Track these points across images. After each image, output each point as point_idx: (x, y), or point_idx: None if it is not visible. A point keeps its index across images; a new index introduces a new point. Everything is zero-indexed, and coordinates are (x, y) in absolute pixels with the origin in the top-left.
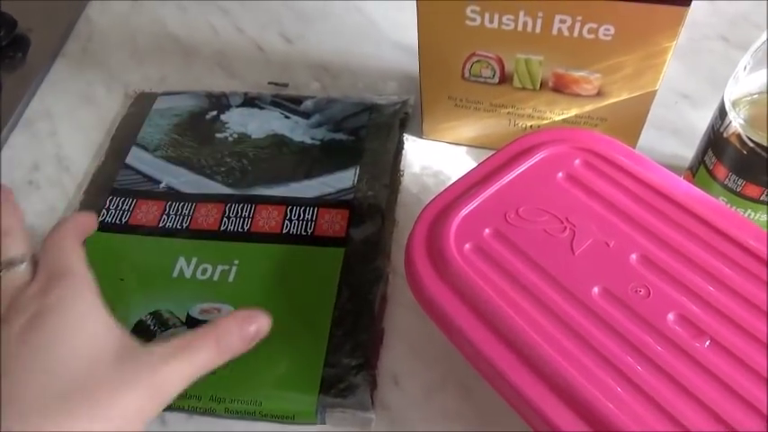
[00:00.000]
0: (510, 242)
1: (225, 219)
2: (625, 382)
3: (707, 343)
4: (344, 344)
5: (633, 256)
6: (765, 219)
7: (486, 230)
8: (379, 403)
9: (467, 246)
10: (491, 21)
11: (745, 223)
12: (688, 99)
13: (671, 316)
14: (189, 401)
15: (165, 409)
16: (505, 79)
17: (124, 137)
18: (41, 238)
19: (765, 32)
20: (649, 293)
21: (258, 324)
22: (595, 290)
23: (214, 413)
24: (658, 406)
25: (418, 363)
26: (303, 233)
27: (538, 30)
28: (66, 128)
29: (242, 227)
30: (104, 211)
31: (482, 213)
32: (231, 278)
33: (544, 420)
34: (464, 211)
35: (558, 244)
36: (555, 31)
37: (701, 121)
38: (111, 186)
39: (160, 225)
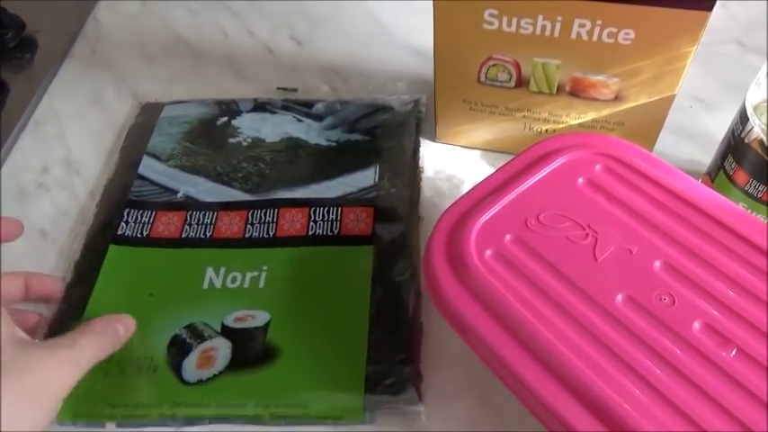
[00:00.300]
0: (531, 249)
1: (249, 226)
2: (650, 390)
3: (733, 352)
4: (385, 340)
5: (657, 264)
6: None
7: (507, 237)
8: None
9: (487, 252)
10: (509, 24)
11: (758, 224)
12: (703, 103)
13: (696, 324)
14: (234, 410)
15: (211, 422)
16: (522, 83)
17: (134, 147)
18: (52, 242)
19: None
20: (674, 302)
21: (125, 324)
22: (619, 297)
23: (260, 420)
24: (684, 415)
25: (438, 368)
26: (329, 233)
27: (556, 34)
28: (75, 130)
29: (267, 232)
30: (123, 224)
31: (502, 219)
32: (262, 284)
33: (566, 427)
34: (484, 218)
35: (580, 251)
36: (574, 35)
37: (717, 126)
38: (126, 198)
39: (183, 236)
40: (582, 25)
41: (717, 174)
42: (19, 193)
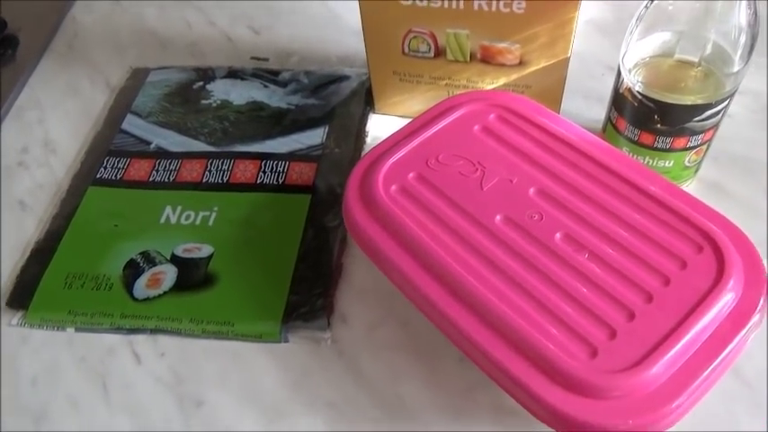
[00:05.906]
0: (430, 183)
1: (207, 172)
2: (521, 290)
3: (586, 255)
4: (307, 276)
5: (531, 190)
6: (663, 165)
7: (411, 174)
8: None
9: (393, 187)
10: None
11: (622, 157)
12: (614, 71)
13: (558, 235)
14: (172, 323)
15: (151, 331)
16: (440, 53)
17: (120, 106)
18: (30, 210)
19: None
20: (542, 218)
21: None
22: (498, 218)
23: (192, 334)
24: (547, 309)
25: (364, 304)
26: (275, 183)
27: (461, 6)
28: (54, 116)
29: (221, 179)
30: (102, 169)
31: (407, 161)
32: (211, 222)
33: (454, 327)
34: (391, 160)
35: (469, 183)
36: (476, 7)
37: None
38: (107, 149)
39: (150, 179)
40: None
41: (606, 125)
42: (1, 170)
